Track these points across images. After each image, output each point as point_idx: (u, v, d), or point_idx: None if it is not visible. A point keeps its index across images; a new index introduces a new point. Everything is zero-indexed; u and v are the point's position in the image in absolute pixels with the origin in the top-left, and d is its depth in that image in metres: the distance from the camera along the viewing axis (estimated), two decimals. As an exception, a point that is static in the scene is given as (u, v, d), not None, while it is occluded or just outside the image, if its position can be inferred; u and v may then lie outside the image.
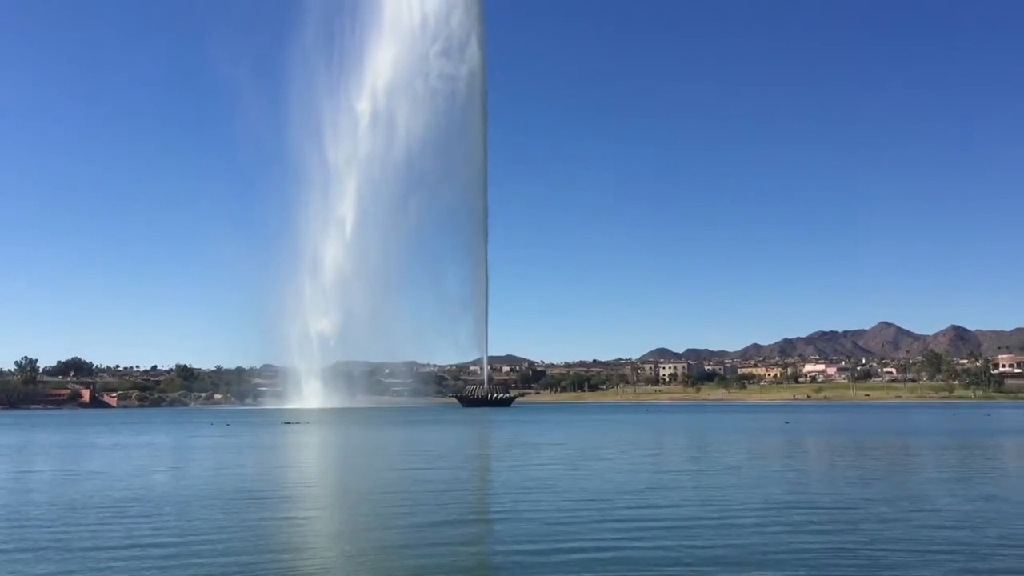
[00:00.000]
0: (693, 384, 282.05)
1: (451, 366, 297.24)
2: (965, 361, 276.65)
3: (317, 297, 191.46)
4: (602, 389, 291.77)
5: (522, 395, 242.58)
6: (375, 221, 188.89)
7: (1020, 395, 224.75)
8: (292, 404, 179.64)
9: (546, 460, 38.85)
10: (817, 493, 24.89)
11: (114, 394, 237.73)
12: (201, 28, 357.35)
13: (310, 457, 45.67)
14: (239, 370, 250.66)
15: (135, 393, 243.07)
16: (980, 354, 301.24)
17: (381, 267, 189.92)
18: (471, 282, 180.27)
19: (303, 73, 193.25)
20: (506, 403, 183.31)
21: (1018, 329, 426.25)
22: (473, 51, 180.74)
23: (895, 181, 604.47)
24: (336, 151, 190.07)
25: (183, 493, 25.68)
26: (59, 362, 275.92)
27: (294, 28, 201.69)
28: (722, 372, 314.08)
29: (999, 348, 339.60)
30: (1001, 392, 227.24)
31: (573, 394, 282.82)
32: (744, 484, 27.37)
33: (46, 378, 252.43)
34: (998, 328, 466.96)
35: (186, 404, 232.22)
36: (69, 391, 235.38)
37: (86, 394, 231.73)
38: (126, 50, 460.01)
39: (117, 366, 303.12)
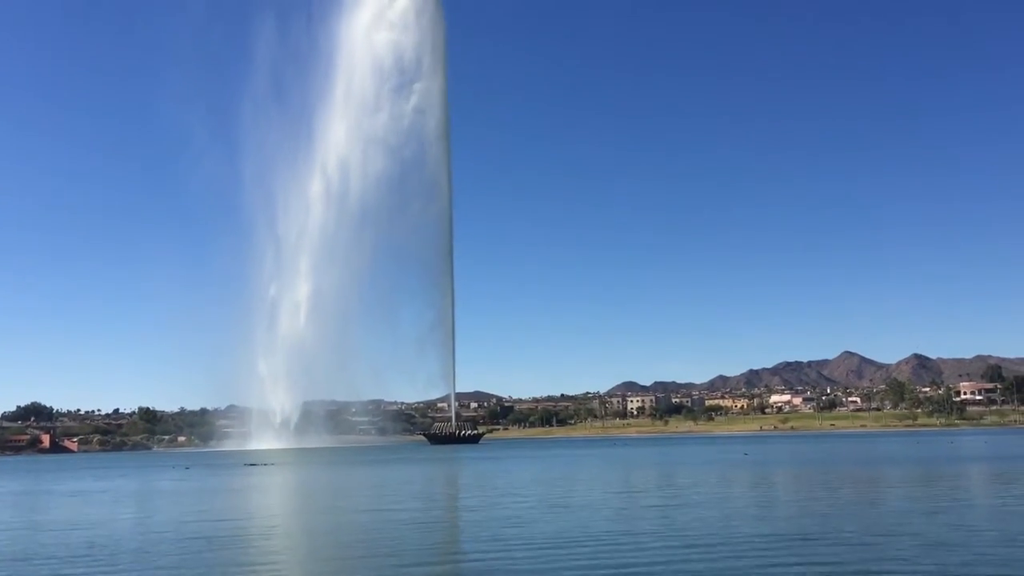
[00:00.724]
0: (661, 417, 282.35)
1: (418, 403, 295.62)
2: (928, 389, 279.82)
3: (276, 365, 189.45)
4: (570, 423, 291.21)
5: (490, 431, 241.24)
6: (334, 264, 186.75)
7: (982, 422, 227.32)
8: (257, 445, 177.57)
9: (516, 498, 38.63)
10: (785, 527, 25.02)
11: (75, 439, 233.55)
12: (153, 65, 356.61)
13: (269, 501, 45.04)
14: (203, 412, 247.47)
15: (96, 437, 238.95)
16: (942, 382, 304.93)
17: (343, 305, 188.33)
18: (437, 318, 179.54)
19: (255, 125, 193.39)
20: (474, 440, 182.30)
21: (978, 356, 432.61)
22: (434, 85, 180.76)
23: (855, 213, 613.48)
24: (287, 226, 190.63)
25: (139, 541, 25.24)
26: (18, 407, 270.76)
27: (246, 76, 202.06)
28: (689, 404, 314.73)
29: (960, 376, 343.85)
30: (964, 419, 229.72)
31: (542, 429, 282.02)
32: (711, 518, 27.45)
33: (5, 424, 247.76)
34: (959, 356, 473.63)
35: (149, 447, 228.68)
36: (29, 436, 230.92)
37: (46, 439, 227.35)
38: (75, 84, 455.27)
39: (78, 410, 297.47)
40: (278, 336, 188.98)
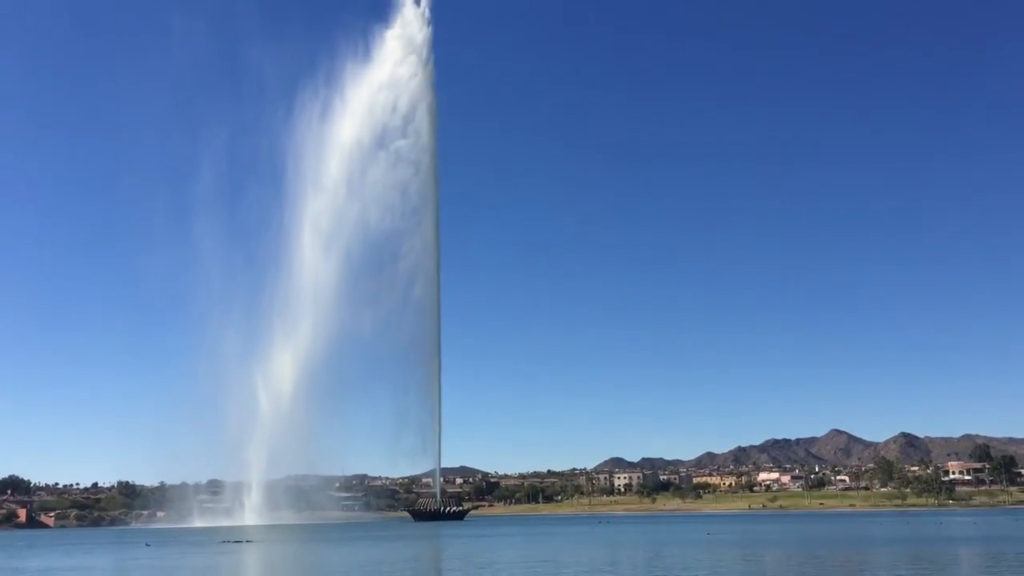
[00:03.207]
0: (648, 494, 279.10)
1: (403, 479, 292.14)
2: (916, 468, 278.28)
3: (256, 440, 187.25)
4: (557, 500, 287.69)
5: (476, 507, 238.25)
6: (317, 338, 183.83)
7: (972, 502, 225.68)
8: (237, 521, 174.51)
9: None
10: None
11: (52, 513, 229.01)
12: (114, 163, 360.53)
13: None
14: (183, 486, 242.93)
15: (74, 512, 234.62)
16: (930, 461, 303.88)
17: (325, 380, 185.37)
18: (423, 393, 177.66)
19: (209, 234, 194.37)
20: (459, 516, 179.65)
21: (966, 436, 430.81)
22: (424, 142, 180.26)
23: (842, 291, 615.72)
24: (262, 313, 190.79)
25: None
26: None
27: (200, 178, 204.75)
28: (677, 481, 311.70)
29: (948, 455, 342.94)
30: (953, 499, 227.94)
31: (528, 506, 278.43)
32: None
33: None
34: (946, 435, 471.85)
35: (127, 523, 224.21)
36: (5, 511, 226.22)
37: (23, 514, 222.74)
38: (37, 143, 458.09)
39: (56, 484, 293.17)
40: (259, 410, 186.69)
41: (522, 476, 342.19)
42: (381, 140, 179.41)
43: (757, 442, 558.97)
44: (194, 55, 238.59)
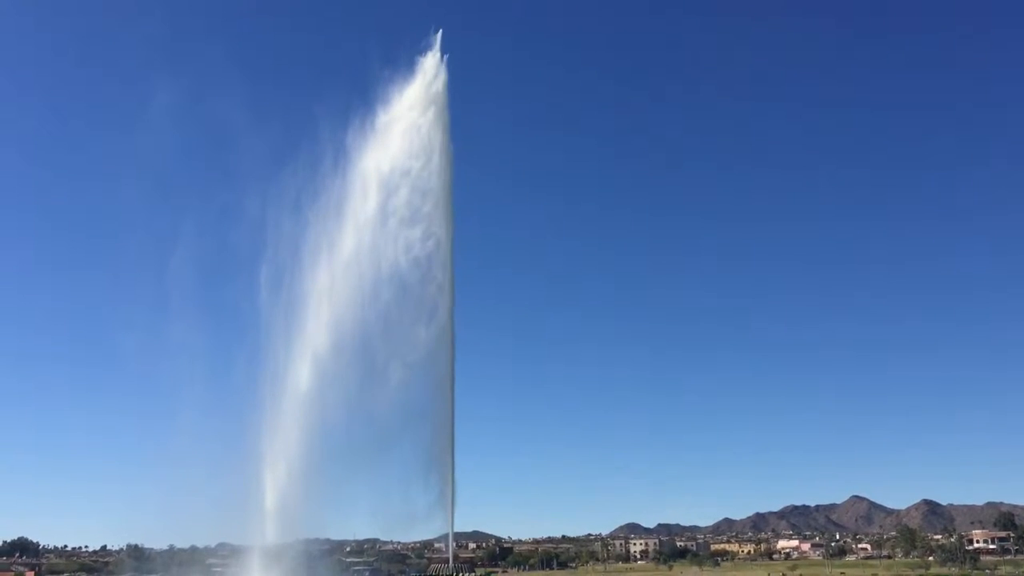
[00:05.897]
0: (665, 561, 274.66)
1: (415, 543, 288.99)
2: (939, 537, 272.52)
3: (267, 503, 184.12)
4: (571, 567, 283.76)
5: (489, 573, 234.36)
6: (324, 405, 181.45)
7: (997, 572, 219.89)
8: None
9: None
10: None
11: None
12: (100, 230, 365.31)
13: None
14: (193, 549, 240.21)
15: (82, 575, 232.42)
16: (953, 529, 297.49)
17: (340, 443, 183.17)
18: (436, 457, 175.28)
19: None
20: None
21: (990, 503, 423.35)
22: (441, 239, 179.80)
23: (862, 356, 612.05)
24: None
25: None
26: (4, 543, 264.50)
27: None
28: (694, 548, 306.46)
29: (972, 523, 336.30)
30: (978, 569, 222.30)
31: (542, 572, 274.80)
32: None
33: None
34: (970, 502, 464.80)
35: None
36: (14, 574, 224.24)
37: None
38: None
39: (65, 546, 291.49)
40: (269, 472, 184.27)
41: (536, 541, 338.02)
42: (385, 217, 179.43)
43: (776, 508, 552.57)
44: (175, 122, 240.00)
